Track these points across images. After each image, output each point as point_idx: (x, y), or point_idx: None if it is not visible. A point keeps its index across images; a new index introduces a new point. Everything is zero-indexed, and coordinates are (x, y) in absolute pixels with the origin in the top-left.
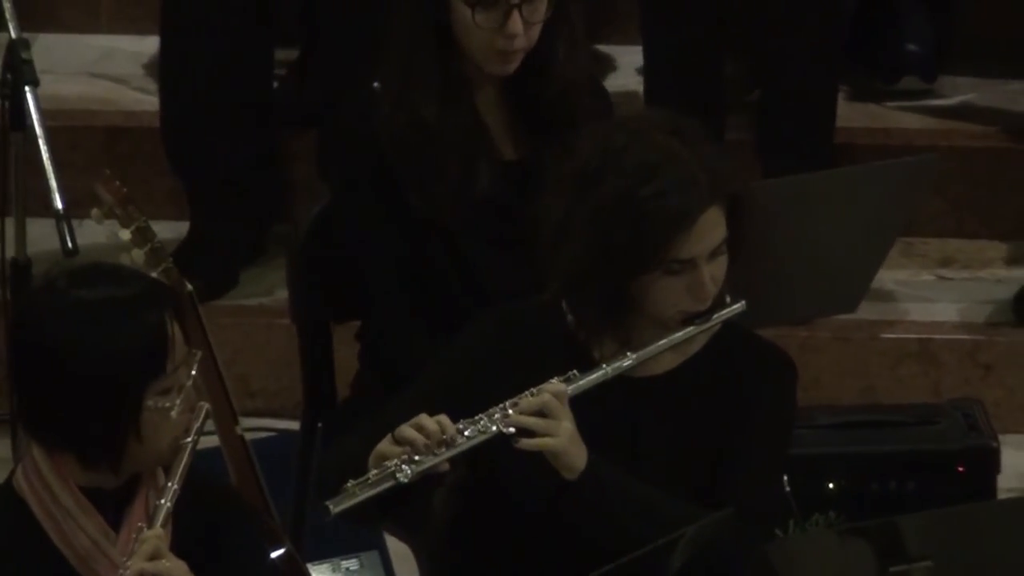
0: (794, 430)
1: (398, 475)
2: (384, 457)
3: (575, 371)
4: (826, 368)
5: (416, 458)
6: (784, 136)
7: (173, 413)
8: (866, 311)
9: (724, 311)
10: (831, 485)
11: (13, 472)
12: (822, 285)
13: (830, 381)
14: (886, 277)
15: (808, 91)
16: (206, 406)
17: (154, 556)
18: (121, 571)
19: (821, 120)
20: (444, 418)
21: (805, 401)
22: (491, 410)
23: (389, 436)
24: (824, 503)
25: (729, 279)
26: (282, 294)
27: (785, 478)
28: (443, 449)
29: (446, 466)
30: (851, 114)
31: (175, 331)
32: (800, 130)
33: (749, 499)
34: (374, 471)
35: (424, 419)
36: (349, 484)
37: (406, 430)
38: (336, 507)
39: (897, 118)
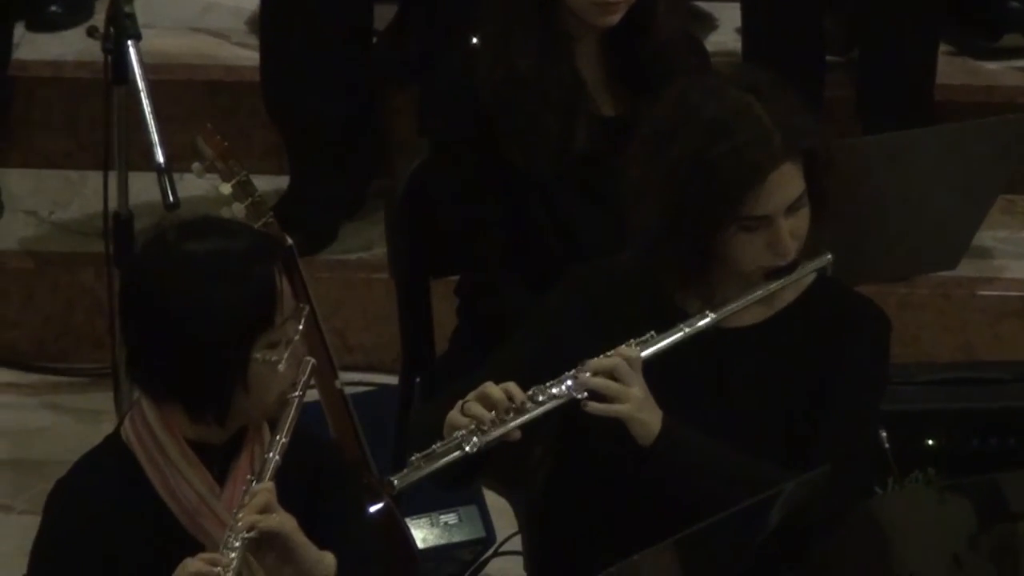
0: (891, 386)
1: (465, 446)
2: (454, 427)
3: (653, 332)
4: (925, 325)
5: (483, 428)
6: (884, 94)
7: (280, 367)
8: (966, 268)
9: (809, 264)
10: (930, 442)
11: (121, 423)
12: (922, 242)
13: (929, 338)
14: (986, 235)
15: (908, 48)
16: (312, 360)
17: (264, 509)
18: (232, 524)
19: (921, 78)
20: (512, 386)
21: (904, 358)
22: (563, 375)
23: (459, 405)
24: (923, 460)
25: (816, 233)
26: (381, 249)
27: (884, 435)
28: (513, 417)
29: (517, 434)
30: (952, 71)
31: (283, 285)
32: (900, 88)
33: (843, 454)
34: (439, 443)
35: (490, 388)
36: (414, 458)
37: (472, 404)
38: (401, 482)
39: (998, 75)
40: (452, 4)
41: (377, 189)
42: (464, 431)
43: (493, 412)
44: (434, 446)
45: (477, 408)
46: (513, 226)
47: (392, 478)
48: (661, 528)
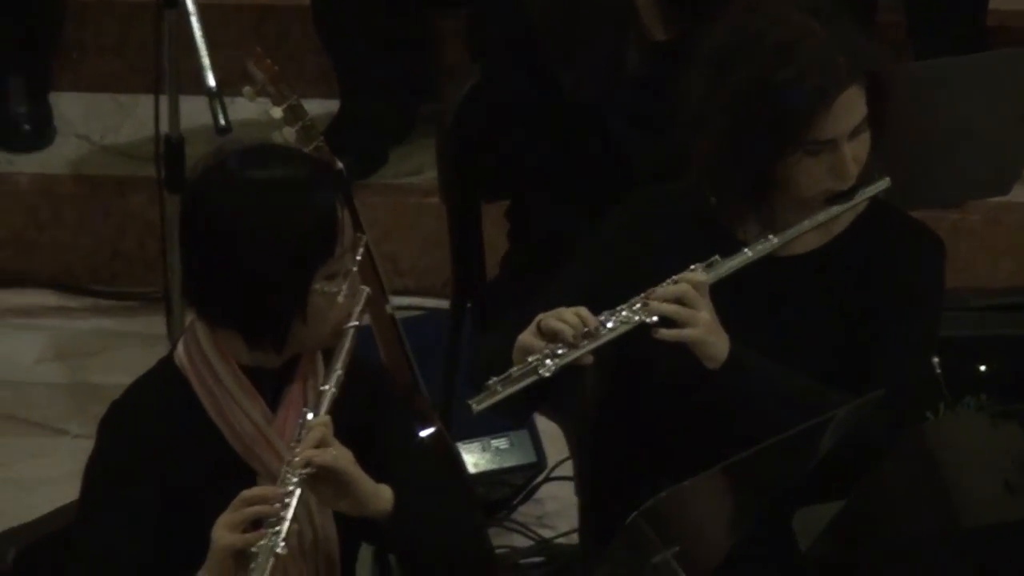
0: (944, 311)
1: (540, 370)
2: (527, 351)
3: (717, 256)
4: (978, 251)
5: (559, 352)
6: (935, 18)
7: (340, 298)
8: (1018, 194)
9: (868, 188)
10: (982, 368)
11: (174, 347)
12: (974, 168)
13: (982, 264)
14: None
15: None
16: (367, 290)
17: (321, 444)
18: (288, 459)
19: (973, 3)
20: (584, 310)
21: (956, 283)
22: (632, 300)
23: (533, 327)
24: (975, 386)
25: (874, 158)
26: (431, 173)
27: (936, 360)
28: (585, 341)
29: (589, 358)
30: None
31: (344, 215)
32: (951, 12)
33: (899, 379)
34: (516, 367)
35: (565, 312)
36: (491, 381)
37: (550, 320)
38: (479, 405)
39: None
40: None
41: (427, 113)
42: (539, 355)
43: (569, 333)
44: (511, 370)
45: (556, 324)
46: (564, 151)
47: (471, 401)
48: (712, 456)
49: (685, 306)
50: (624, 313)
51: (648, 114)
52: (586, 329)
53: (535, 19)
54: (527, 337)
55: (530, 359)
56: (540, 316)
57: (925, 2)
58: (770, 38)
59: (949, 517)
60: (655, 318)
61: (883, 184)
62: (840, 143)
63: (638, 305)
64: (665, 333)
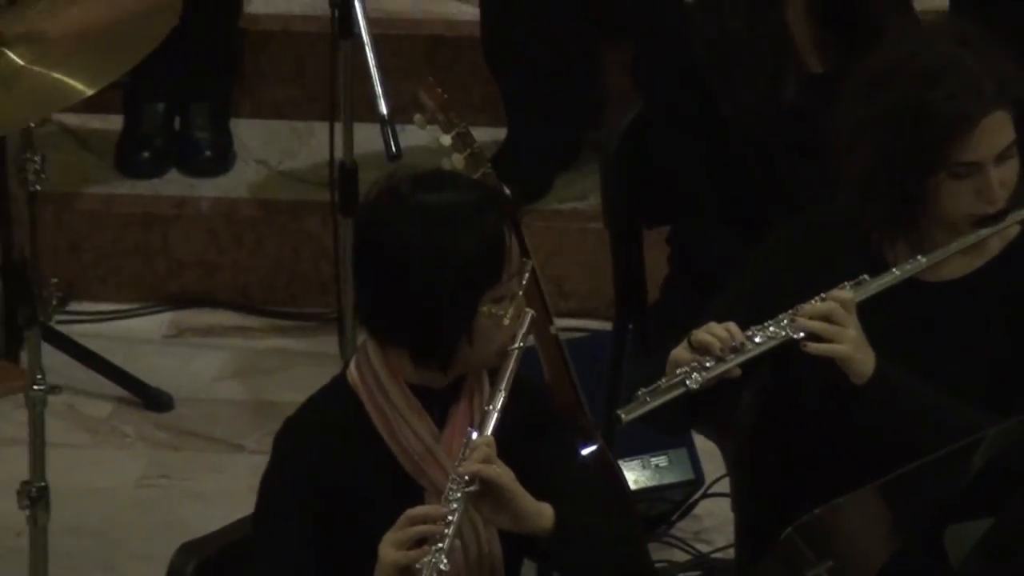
0: None
1: (687, 382)
2: (677, 364)
3: (865, 275)
4: None
5: (707, 364)
6: None
7: (505, 321)
8: None
9: (1018, 212)
10: None
11: (346, 366)
12: None
13: None
14: None
15: None
16: (532, 313)
17: (485, 462)
18: (453, 476)
19: None
20: (733, 325)
21: None
22: (779, 316)
23: (684, 342)
24: None
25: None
26: (595, 199)
27: None
28: (732, 355)
29: (737, 371)
30: None
31: (511, 240)
32: None
33: None
34: (664, 379)
35: (714, 326)
36: (640, 392)
37: (700, 334)
38: (627, 415)
39: None
40: None
41: (592, 140)
42: (686, 367)
43: (717, 346)
44: (659, 382)
45: (706, 337)
46: (725, 179)
47: (620, 411)
48: (865, 474)
49: (832, 323)
50: (772, 329)
51: (805, 143)
52: (734, 343)
53: (699, 52)
54: (678, 351)
55: (679, 371)
56: (693, 333)
57: None
58: (919, 63)
59: None
60: (802, 334)
61: None
62: (986, 166)
63: (786, 321)
64: (814, 347)
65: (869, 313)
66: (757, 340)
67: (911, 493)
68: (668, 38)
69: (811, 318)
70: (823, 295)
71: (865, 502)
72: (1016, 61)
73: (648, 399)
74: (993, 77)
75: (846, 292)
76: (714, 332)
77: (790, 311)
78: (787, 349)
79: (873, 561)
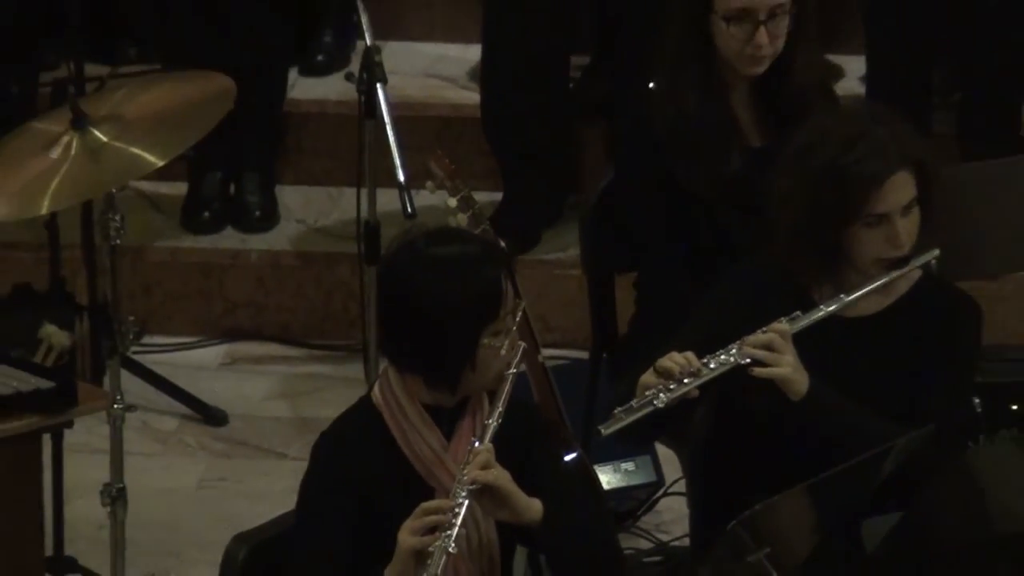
0: (983, 363)
1: (655, 401)
2: (646, 387)
3: (799, 312)
4: (1011, 314)
5: (671, 387)
6: (979, 129)
7: (502, 351)
8: None
9: (920, 257)
10: (1015, 407)
11: (371, 388)
12: (1009, 247)
13: (1014, 325)
14: None
15: (1000, 95)
16: (524, 345)
17: (485, 466)
18: (459, 478)
19: (1010, 116)
20: (691, 354)
21: (994, 340)
22: (729, 346)
23: (651, 369)
24: (1009, 422)
25: (926, 237)
26: (575, 250)
27: (977, 401)
28: (691, 379)
29: (695, 392)
30: None
31: (507, 285)
32: (993, 124)
33: (946, 416)
34: (635, 400)
35: (675, 355)
36: (616, 411)
37: (664, 362)
38: (606, 430)
39: None
40: (632, 57)
41: (571, 203)
42: (654, 389)
43: (677, 371)
44: (631, 402)
45: (667, 363)
46: (681, 234)
47: (600, 427)
48: (796, 477)
49: (773, 351)
50: (723, 357)
51: (748, 205)
52: (692, 369)
53: (660, 130)
54: (646, 376)
55: (647, 393)
56: (658, 361)
57: (971, 117)
58: (837, 134)
59: (986, 525)
60: (748, 360)
61: (933, 253)
62: (893, 217)
63: (734, 350)
64: (758, 371)
65: (803, 343)
66: (712, 366)
67: (833, 492)
68: (635, 119)
69: (755, 347)
70: (764, 328)
71: (795, 500)
72: (917, 132)
73: (623, 416)
74: (897, 144)
75: (783, 325)
76: (675, 360)
77: (737, 342)
78: (736, 373)
79: (802, 548)
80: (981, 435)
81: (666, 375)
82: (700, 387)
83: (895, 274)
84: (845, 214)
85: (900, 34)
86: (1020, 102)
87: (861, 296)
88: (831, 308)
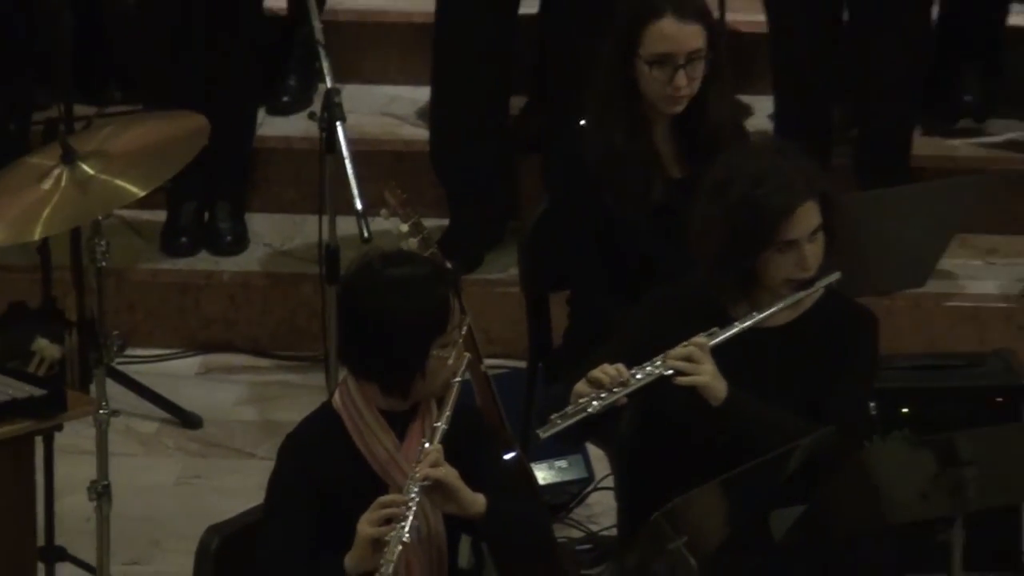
0: (879, 369)
1: (588, 409)
2: (579, 395)
3: (716, 328)
4: (903, 326)
5: (602, 395)
6: (874, 161)
7: (449, 361)
8: (932, 286)
9: (824, 279)
10: (905, 410)
11: (331, 395)
12: (901, 267)
13: (906, 336)
14: (947, 262)
15: (893, 130)
16: (469, 355)
17: (435, 464)
18: (411, 475)
19: (901, 150)
20: (621, 366)
21: (888, 350)
22: (654, 359)
23: (584, 379)
24: (901, 423)
25: (830, 259)
26: (514, 271)
27: (872, 404)
28: (620, 388)
29: (624, 400)
30: (923, 146)
31: (453, 302)
32: (886, 157)
33: (847, 417)
34: (570, 407)
35: (606, 366)
36: (552, 416)
37: (596, 373)
38: (544, 434)
39: (956, 149)
40: (565, 98)
41: (511, 228)
42: (587, 397)
43: (608, 381)
44: (566, 409)
45: (599, 375)
46: (609, 256)
47: (538, 431)
48: (714, 472)
49: (693, 362)
50: (649, 368)
51: (670, 231)
52: (621, 379)
53: (590, 163)
54: (579, 386)
55: (580, 401)
56: (590, 372)
57: (866, 150)
58: (749, 169)
59: (880, 515)
60: (672, 371)
61: (835, 276)
62: (801, 243)
63: (659, 362)
64: (681, 380)
65: (722, 353)
66: (639, 377)
67: (744, 487)
68: (568, 153)
69: (677, 359)
70: (685, 343)
71: (710, 494)
72: (820, 165)
73: (559, 422)
74: (803, 177)
75: (702, 339)
76: (606, 371)
77: (661, 355)
78: (660, 383)
79: (717, 537)
80: (876, 435)
81: (597, 385)
82: (628, 395)
83: (802, 294)
84: (758, 242)
85: (803, 77)
86: (910, 137)
87: (772, 314)
88: (745, 324)
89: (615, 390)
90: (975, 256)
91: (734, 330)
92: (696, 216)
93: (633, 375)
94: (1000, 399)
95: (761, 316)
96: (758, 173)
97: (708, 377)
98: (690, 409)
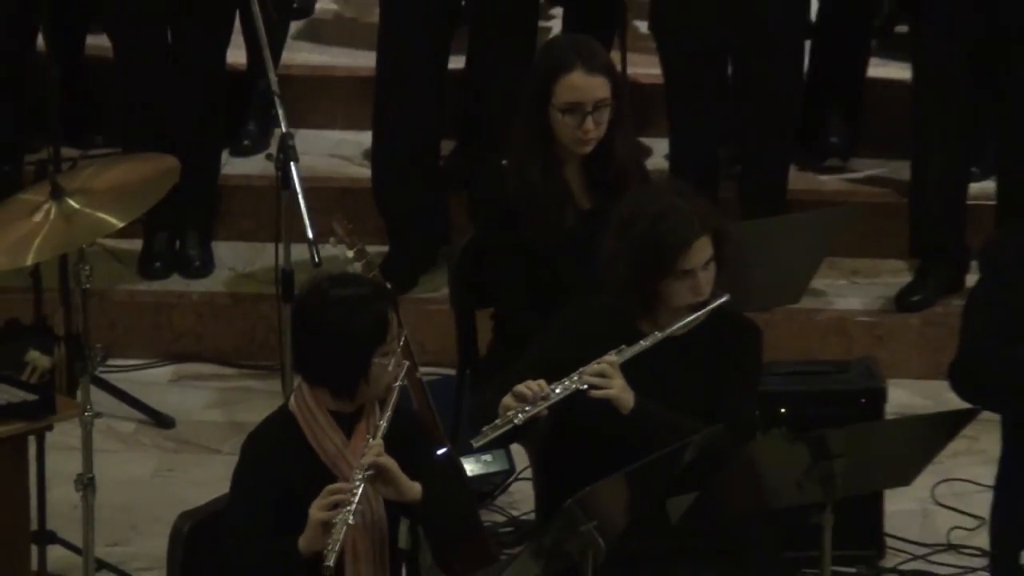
0: (761, 375)
1: (515, 420)
2: (507, 408)
3: (624, 345)
4: (781, 337)
5: (527, 408)
6: (755, 195)
7: (389, 368)
8: (806, 302)
9: (715, 301)
10: (783, 410)
11: (288, 399)
12: (779, 286)
13: (784, 346)
14: (818, 281)
15: (770, 167)
16: (407, 363)
17: (376, 456)
18: (357, 465)
19: (778, 185)
20: (542, 381)
21: (768, 359)
22: (571, 375)
23: (510, 394)
24: (779, 422)
25: (720, 282)
26: (445, 291)
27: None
28: (542, 401)
29: (546, 412)
30: (797, 181)
31: (392, 317)
32: (765, 191)
33: (735, 418)
34: (499, 419)
35: (530, 383)
36: (484, 429)
37: (519, 388)
38: (477, 443)
39: (824, 184)
40: (489, 140)
41: (442, 254)
42: (514, 410)
43: (530, 396)
44: (496, 421)
45: (522, 390)
46: (527, 278)
47: (472, 440)
48: (617, 466)
49: (605, 377)
50: (566, 383)
51: (580, 255)
52: (543, 394)
53: (510, 195)
54: (506, 399)
55: (508, 413)
56: (516, 387)
57: (749, 185)
58: (651, 208)
59: (763, 501)
60: (586, 385)
61: (724, 298)
62: (696, 272)
63: (576, 377)
64: (595, 393)
65: (630, 364)
66: (558, 391)
67: (644, 478)
68: (491, 188)
69: (591, 375)
70: (598, 360)
71: (617, 483)
72: (711, 202)
73: (489, 432)
74: (698, 215)
75: (612, 357)
76: (530, 386)
77: (578, 371)
78: (576, 395)
79: (622, 520)
80: (758, 432)
81: (522, 399)
82: (549, 407)
83: (698, 314)
84: (660, 271)
85: (694, 122)
86: (786, 174)
87: (672, 332)
88: (648, 343)
89: (538, 403)
90: (841, 276)
91: (639, 348)
92: (605, 248)
93: (553, 390)
94: (864, 400)
95: (662, 335)
96: (659, 212)
97: (618, 391)
98: (603, 416)
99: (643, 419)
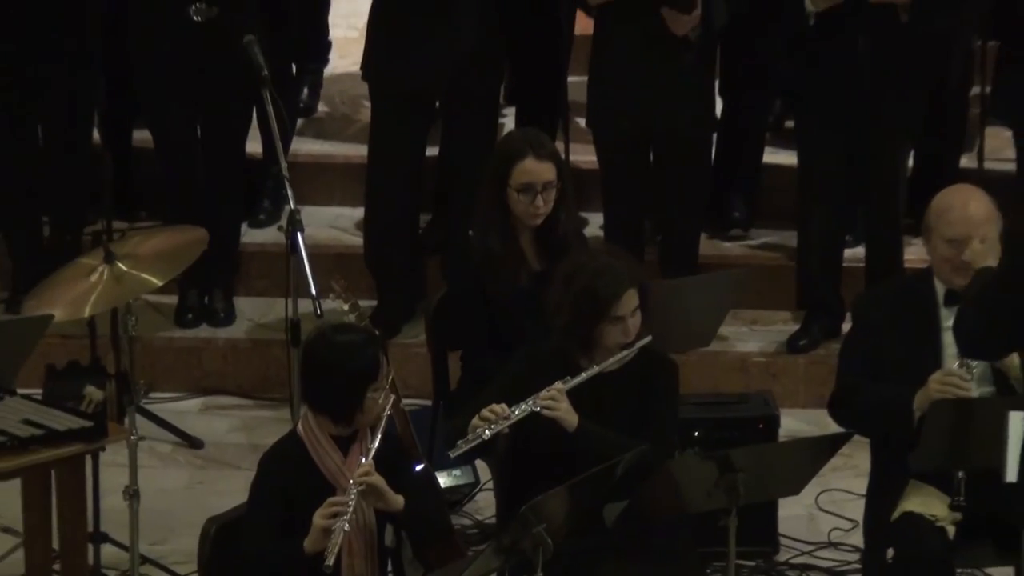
0: (679, 404)
1: (483, 436)
2: (475, 427)
3: (569, 376)
4: (693, 374)
5: (492, 426)
6: (673, 258)
7: (379, 400)
8: (714, 346)
9: (640, 341)
10: (696, 434)
11: (296, 425)
12: (691, 332)
13: (696, 381)
14: (724, 328)
15: (685, 236)
16: (393, 396)
17: (368, 474)
18: (352, 480)
19: (691, 250)
20: (503, 405)
21: (683, 391)
22: (527, 399)
23: (478, 415)
24: (692, 444)
25: (644, 327)
26: (422, 337)
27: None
28: (504, 421)
29: (507, 430)
30: (706, 247)
31: (382, 358)
32: (681, 255)
33: (659, 438)
34: (471, 435)
35: (494, 406)
36: (459, 442)
37: (485, 412)
38: (453, 454)
39: (728, 249)
40: (458, 214)
41: (421, 307)
42: (481, 428)
43: (494, 417)
44: (468, 435)
45: (487, 413)
46: (489, 329)
47: (449, 452)
48: (566, 478)
49: (555, 400)
50: (523, 406)
51: (532, 309)
52: (504, 415)
53: (476, 260)
54: (474, 420)
55: (477, 431)
56: (482, 410)
57: (667, 251)
58: (590, 267)
59: (680, 507)
60: (540, 408)
61: (648, 339)
62: (625, 318)
63: (531, 401)
64: (547, 414)
65: (575, 393)
66: (516, 412)
67: (584, 490)
68: (460, 254)
69: (543, 399)
70: (548, 388)
71: (561, 493)
72: (638, 261)
73: (463, 446)
74: (627, 272)
75: (560, 385)
76: (494, 409)
77: (532, 397)
78: (531, 416)
79: (567, 524)
80: (676, 452)
81: (488, 419)
82: (509, 426)
83: (626, 352)
84: (597, 317)
85: (623, 199)
86: (697, 241)
87: (607, 366)
88: (588, 375)
89: (500, 422)
90: (743, 324)
91: (581, 378)
92: (551, 298)
93: (512, 411)
94: (761, 426)
95: (598, 369)
96: (595, 269)
97: (564, 412)
98: (551, 434)
99: (584, 436)
